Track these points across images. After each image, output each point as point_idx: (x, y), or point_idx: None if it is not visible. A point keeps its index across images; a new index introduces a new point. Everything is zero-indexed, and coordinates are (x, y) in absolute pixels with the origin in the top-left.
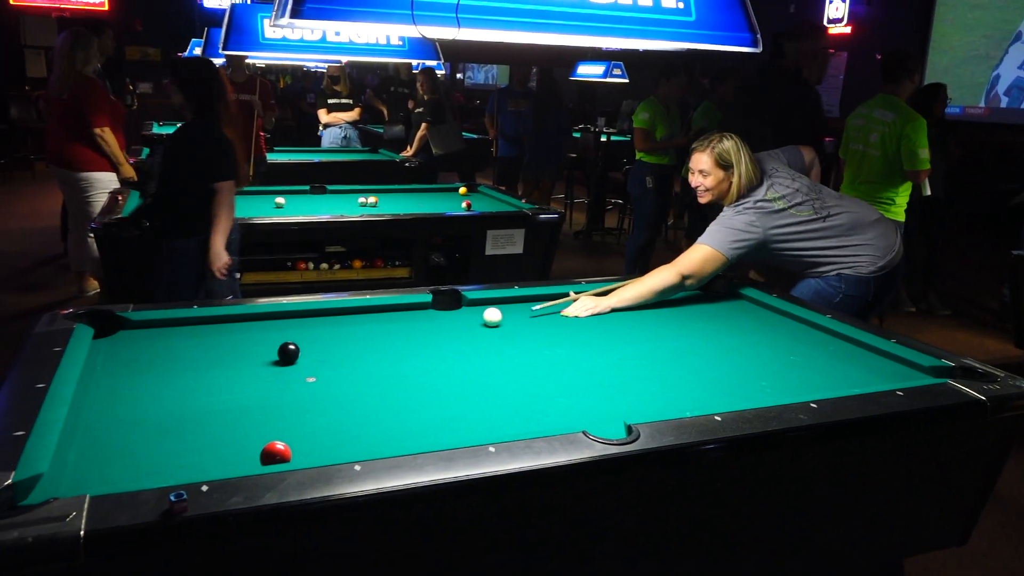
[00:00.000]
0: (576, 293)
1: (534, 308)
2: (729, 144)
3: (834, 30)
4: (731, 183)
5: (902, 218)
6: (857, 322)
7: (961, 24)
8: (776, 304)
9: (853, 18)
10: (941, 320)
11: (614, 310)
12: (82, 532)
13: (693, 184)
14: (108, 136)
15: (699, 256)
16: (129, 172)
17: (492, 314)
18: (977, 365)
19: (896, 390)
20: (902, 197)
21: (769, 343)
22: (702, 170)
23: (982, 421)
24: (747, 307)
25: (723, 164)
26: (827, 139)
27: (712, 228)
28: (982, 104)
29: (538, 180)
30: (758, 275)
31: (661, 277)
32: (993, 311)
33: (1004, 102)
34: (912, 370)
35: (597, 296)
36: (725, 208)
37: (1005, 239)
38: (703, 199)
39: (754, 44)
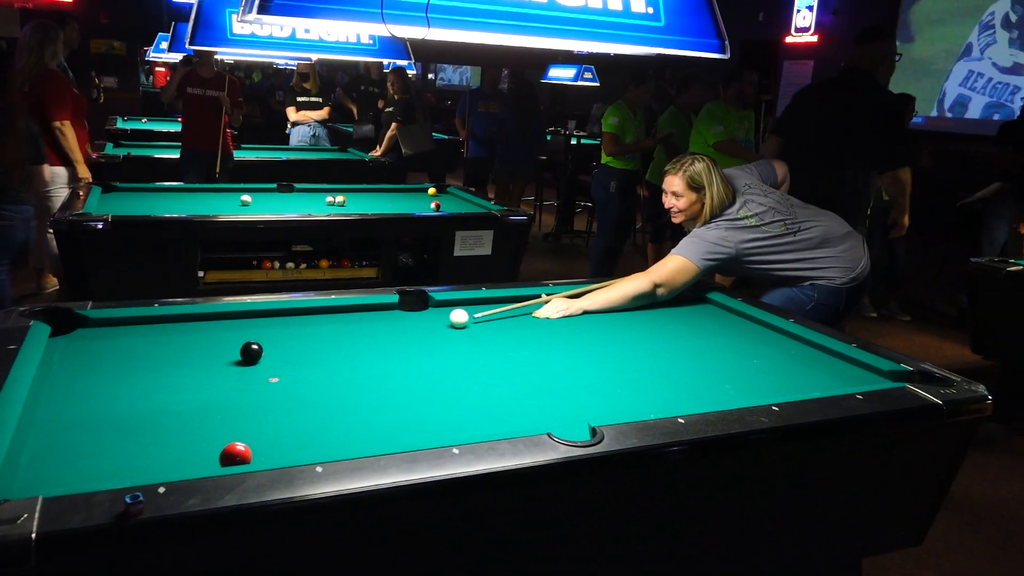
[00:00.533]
0: (548, 295)
1: (476, 316)
2: (700, 166)
3: (801, 39)
4: (703, 204)
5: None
6: (820, 327)
7: (923, 36)
8: (741, 308)
9: (819, 28)
10: (901, 325)
11: (585, 312)
12: (33, 534)
13: (667, 206)
14: (67, 130)
15: (672, 266)
16: (84, 172)
17: (458, 315)
18: (935, 370)
19: (856, 393)
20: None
21: (734, 346)
22: (675, 192)
23: (939, 424)
24: (713, 311)
25: (695, 186)
26: None
27: (686, 240)
28: (934, 114)
29: (510, 182)
30: (724, 279)
31: (634, 284)
32: (951, 317)
33: (948, 116)
34: (872, 374)
35: (569, 298)
36: (696, 226)
37: (964, 247)
38: (676, 219)
39: (722, 50)
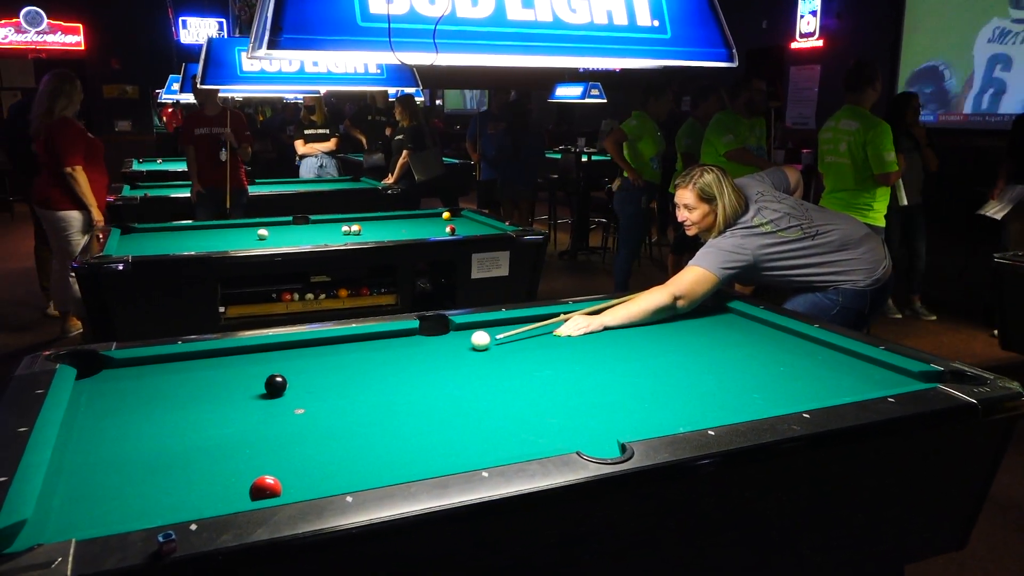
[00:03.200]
0: (567, 314)
1: (498, 337)
2: (710, 177)
3: (806, 45)
4: (716, 215)
5: (882, 223)
6: (845, 330)
7: (929, 33)
8: (763, 316)
9: (824, 32)
10: (927, 325)
11: (606, 328)
12: None
13: (680, 219)
14: (79, 175)
15: (691, 278)
16: (98, 216)
17: (480, 337)
18: (966, 368)
19: (888, 396)
20: (879, 202)
21: (759, 355)
22: (687, 204)
23: (975, 424)
24: (735, 320)
25: (706, 198)
26: (805, 151)
27: (703, 251)
28: (967, 110)
29: (515, 201)
30: (744, 288)
31: (654, 298)
32: (977, 315)
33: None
34: (902, 376)
35: (589, 315)
36: (711, 237)
37: (986, 243)
38: (690, 232)
39: (730, 59)
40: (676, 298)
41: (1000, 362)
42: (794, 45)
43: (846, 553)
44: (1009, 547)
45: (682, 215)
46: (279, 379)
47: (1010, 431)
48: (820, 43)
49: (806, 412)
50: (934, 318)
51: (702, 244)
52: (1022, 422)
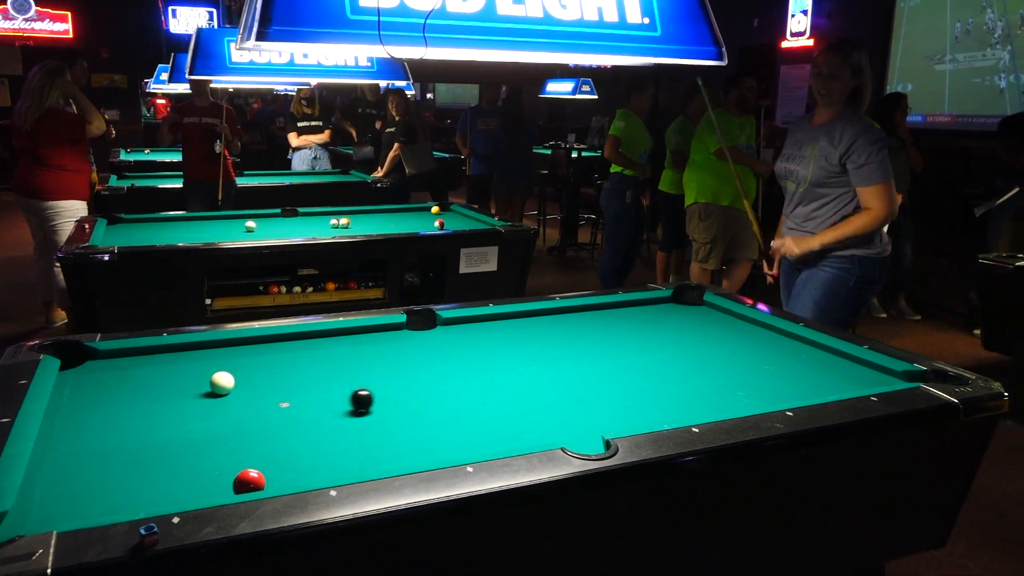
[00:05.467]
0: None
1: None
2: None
3: (796, 43)
4: (862, 92)
5: None
6: (829, 328)
7: (920, 34)
8: (749, 313)
9: (815, 31)
10: (911, 325)
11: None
12: (49, 570)
13: (821, 89)
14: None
15: (883, 192)
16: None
17: (223, 379)
18: (949, 368)
19: (871, 395)
20: None
21: (744, 352)
22: (833, 73)
23: (956, 423)
24: (720, 317)
25: (857, 71)
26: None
27: (870, 167)
28: (955, 111)
29: (510, 197)
30: (730, 285)
31: (859, 223)
32: (961, 315)
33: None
34: (885, 375)
35: (794, 241)
36: (852, 134)
37: (971, 244)
38: (827, 103)
39: (719, 57)
40: (885, 216)
41: (982, 362)
42: (784, 44)
43: (828, 550)
44: (987, 545)
45: (824, 85)
46: (364, 393)
47: (990, 430)
48: (811, 42)
49: (790, 410)
50: (919, 318)
51: (688, 247)
52: (1001, 421)
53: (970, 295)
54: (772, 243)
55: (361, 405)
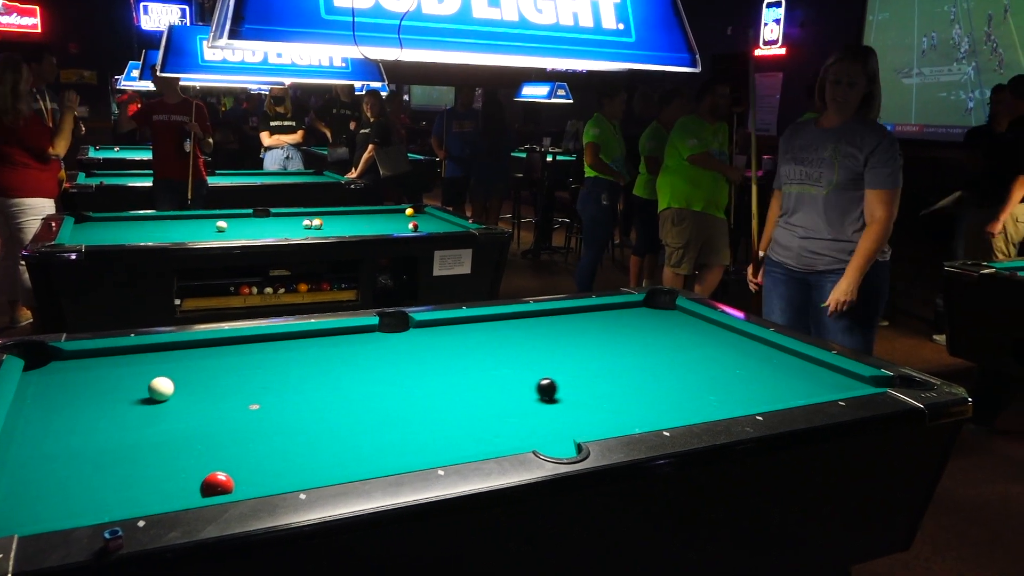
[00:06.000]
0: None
1: None
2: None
3: (769, 52)
4: (874, 98)
5: None
6: (799, 335)
7: (888, 48)
8: (720, 318)
9: (787, 40)
10: (880, 331)
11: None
12: (9, 575)
13: (839, 97)
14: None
15: (888, 199)
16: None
17: (162, 384)
18: (915, 374)
19: (838, 400)
20: None
21: (716, 357)
22: (851, 81)
23: (921, 428)
24: (692, 322)
25: (873, 78)
26: (766, 156)
27: (878, 173)
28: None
29: (486, 200)
30: (703, 290)
31: (874, 237)
32: (928, 321)
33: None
34: (853, 380)
35: (843, 286)
36: (872, 141)
37: (939, 251)
38: (843, 110)
39: (693, 64)
40: (891, 222)
41: (947, 368)
42: (758, 52)
43: (796, 553)
44: (952, 548)
45: (843, 93)
46: (546, 382)
47: (955, 435)
48: (783, 51)
49: (760, 414)
50: (886, 323)
51: (661, 252)
52: (965, 426)
53: (936, 302)
54: (832, 296)
55: (547, 393)
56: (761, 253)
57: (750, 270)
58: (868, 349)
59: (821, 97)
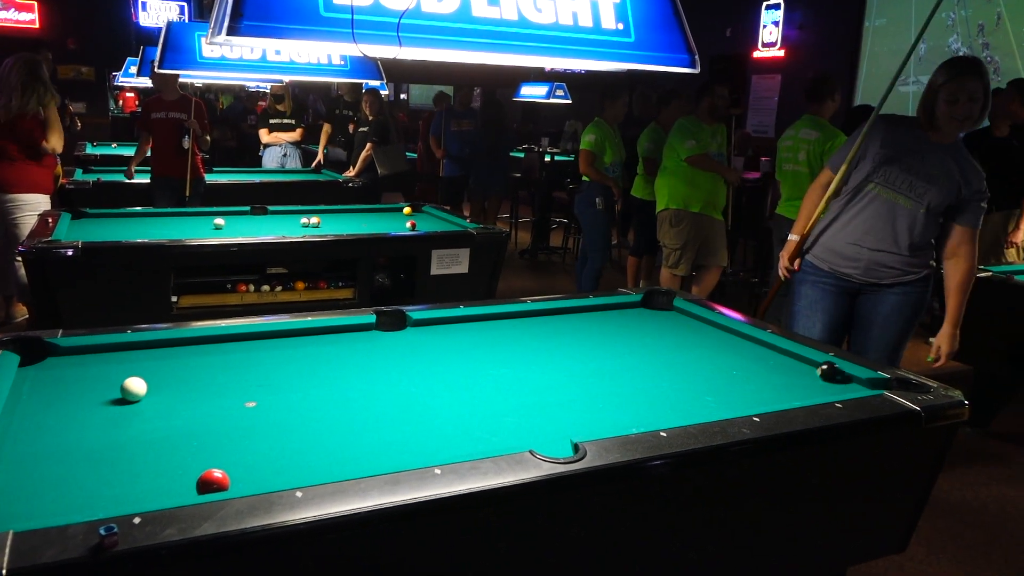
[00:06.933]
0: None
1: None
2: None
3: (768, 54)
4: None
5: None
6: (796, 336)
7: (885, 54)
8: (714, 318)
9: (786, 42)
10: None
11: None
12: (4, 570)
13: (961, 114)
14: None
15: (971, 238)
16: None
17: (134, 384)
18: (912, 376)
19: (835, 402)
20: None
21: (713, 358)
22: (974, 97)
23: (917, 430)
24: (690, 323)
25: (987, 90)
26: (763, 158)
27: (980, 212)
28: None
29: (484, 199)
30: (700, 291)
31: (971, 279)
32: (925, 324)
33: None
34: (850, 382)
35: (949, 337)
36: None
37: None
38: (966, 127)
39: (692, 65)
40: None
41: (944, 370)
42: (756, 54)
43: (792, 554)
44: (946, 550)
45: (966, 109)
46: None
47: (951, 438)
48: (781, 53)
49: (757, 415)
50: None
51: (659, 253)
52: (961, 429)
53: (933, 305)
54: (943, 350)
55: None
56: (795, 238)
57: (784, 257)
58: (899, 362)
59: (927, 113)
